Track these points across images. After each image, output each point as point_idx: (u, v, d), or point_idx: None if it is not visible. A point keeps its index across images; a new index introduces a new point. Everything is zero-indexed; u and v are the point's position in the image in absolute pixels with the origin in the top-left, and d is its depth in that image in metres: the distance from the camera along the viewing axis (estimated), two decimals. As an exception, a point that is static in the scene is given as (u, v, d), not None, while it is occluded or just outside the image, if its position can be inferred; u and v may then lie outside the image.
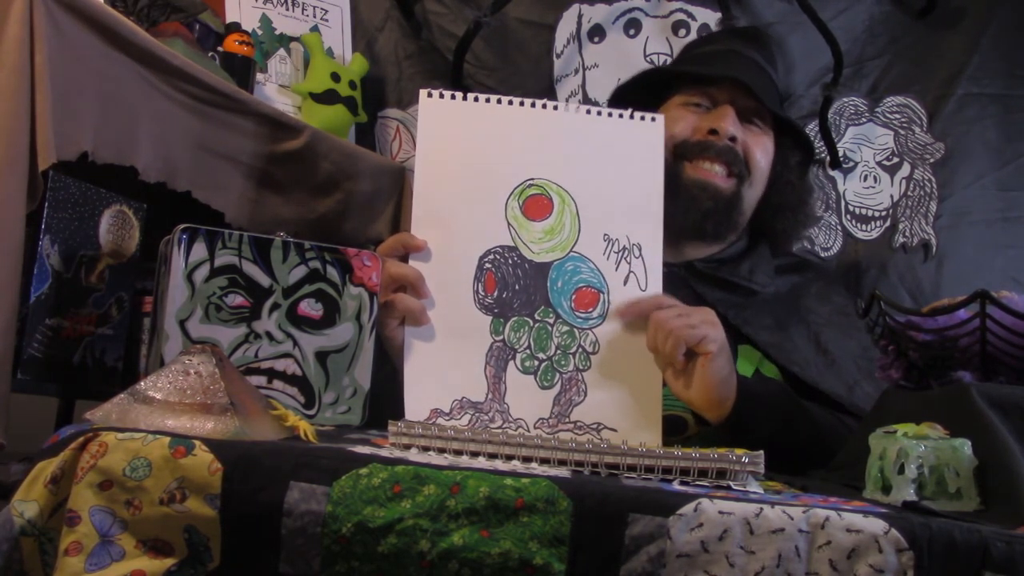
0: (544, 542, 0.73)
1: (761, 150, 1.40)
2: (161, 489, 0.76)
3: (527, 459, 0.87)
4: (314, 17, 1.72)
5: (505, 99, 1.13)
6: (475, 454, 0.87)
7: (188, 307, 1.03)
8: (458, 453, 0.87)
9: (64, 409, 1.29)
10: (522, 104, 1.12)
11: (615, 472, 0.86)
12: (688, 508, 0.73)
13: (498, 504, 0.74)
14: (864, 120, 1.83)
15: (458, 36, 1.74)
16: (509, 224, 1.08)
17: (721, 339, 1.08)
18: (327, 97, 1.62)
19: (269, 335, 1.07)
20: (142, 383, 0.87)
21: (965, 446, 0.83)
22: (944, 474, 0.82)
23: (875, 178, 1.82)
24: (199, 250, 1.04)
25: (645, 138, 1.13)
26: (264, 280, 1.07)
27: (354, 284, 1.11)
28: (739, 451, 0.86)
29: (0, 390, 0.97)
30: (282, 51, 1.66)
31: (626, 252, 1.09)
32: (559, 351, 1.06)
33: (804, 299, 1.44)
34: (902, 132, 1.83)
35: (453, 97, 1.11)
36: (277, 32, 1.66)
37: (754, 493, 0.81)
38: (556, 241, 1.09)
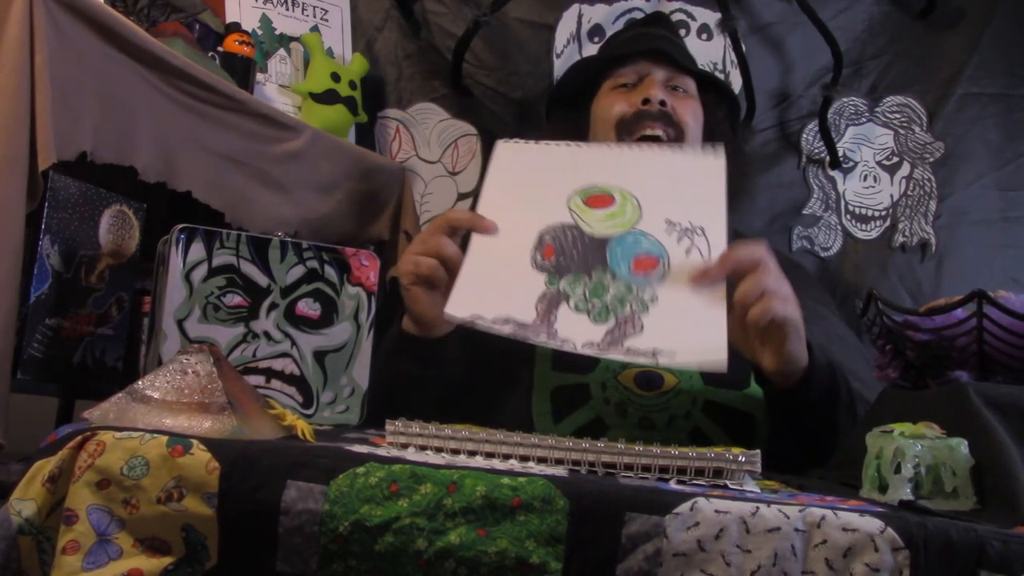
0: (541, 541, 0.74)
1: (690, 112, 1.44)
2: (159, 488, 0.76)
3: (524, 458, 0.87)
4: (314, 17, 1.72)
5: (574, 143, 1.17)
6: (472, 453, 0.88)
7: (186, 307, 1.04)
8: (455, 452, 0.87)
9: (64, 409, 1.29)
10: (592, 147, 1.19)
11: (612, 471, 0.86)
12: (684, 507, 0.73)
13: (495, 503, 0.74)
14: (864, 120, 1.83)
15: (458, 36, 1.75)
16: (571, 210, 1.10)
17: (797, 318, 1.08)
18: (327, 97, 1.62)
19: (267, 335, 1.07)
20: (140, 382, 0.87)
21: (962, 445, 0.83)
22: (941, 473, 0.82)
23: (875, 178, 1.82)
24: (197, 250, 1.04)
25: (707, 166, 1.14)
26: (262, 280, 1.07)
27: (352, 284, 1.12)
28: (736, 450, 0.86)
29: (0, 390, 0.97)
30: (282, 51, 1.66)
31: (689, 231, 1.08)
32: (615, 299, 1.03)
33: None
34: (902, 132, 1.83)
35: (526, 142, 1.17)
36: (277, 32, 1.66)
37: (751, 492, 0.81)
38: (617, 221, 1.09)
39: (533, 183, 1.13)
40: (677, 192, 1.12)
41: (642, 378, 1.22)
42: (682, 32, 1.81)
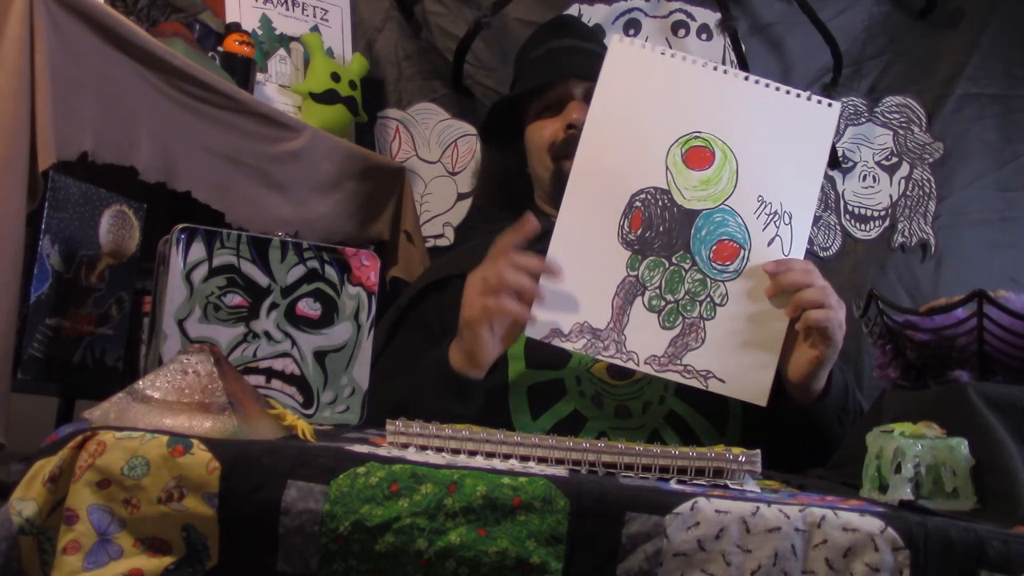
0: (541, 541, 0.74)
1: None
2: (159, 488, 0.76)
3: (524, 458, 0.87)
4: (314, 17, 1.72)
5: (690, 57, 1.15)
6: (472, 453, 0.88)
7: (187, 307, 1.04)
8: (455, 452, 0.88)
9: (64, 409, 1.29)
10: (704, 65, 1.14)
11: (612, 471, 0.86)
12: (685, 507, 0.73)
13: (495, 503, 0.74)
14: (863, 120, 1.83)
15: (458, 36, 1.75)
16: (668, 168, 1.10)
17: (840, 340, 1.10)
18: (327, 97, 1.62)
19: (267, 335, 1.07)
20: (140, 382, 0.87)
21: (962, 445, 0.83)
22: (941, 473, 0.82)
23: (874, 178, 1.82)
24: (197, 250, 1.04)
25: (818, 119, 1.14)
26: (262, 280, 1.07)
27: (352, 284, 1.12)
28: (736, 450, 0.87)
29: (0, 390, 0.97)
30: (282, 51, 1.66)
31: (776, 217, 1.10)
32: (687, 296, 1.08)
33: None
34: (901, 132, 1.83)
35: (642, 45, 1.15)
36: (277, 32, 1.66)
37: (751, 492, 0.81)
38: (710, 191, 1.10)
39: (640, 110, 1.13)
40: (778, 151, 1.11)
41: (614, 368, 1.21)
42: (681, 32, 1.81)
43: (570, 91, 1.44)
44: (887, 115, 1.83)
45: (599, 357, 1.09)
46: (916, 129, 1.83)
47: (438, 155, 1.81)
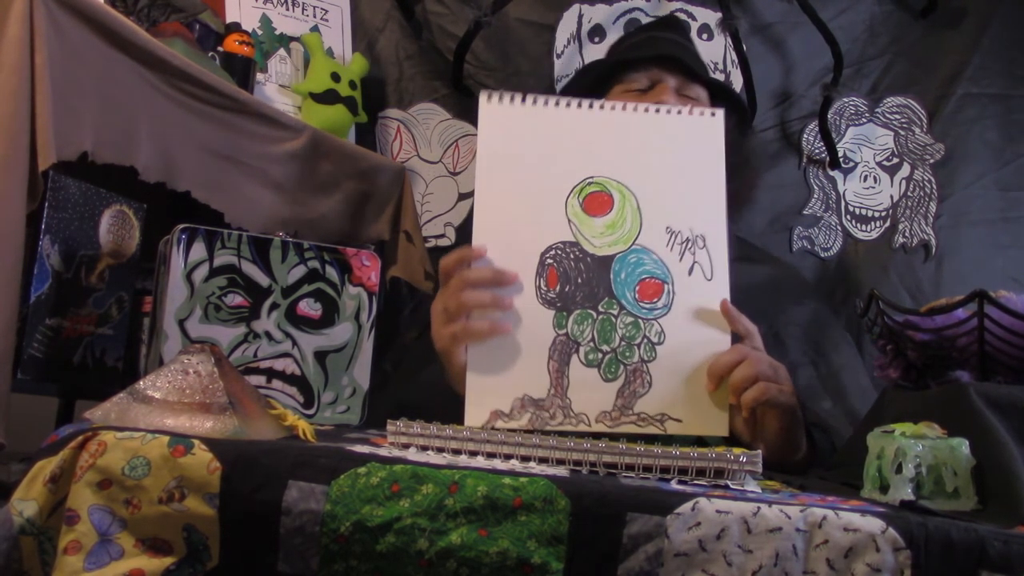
0: (542, 541, 0.73)
1: None
2: (160, 488, 0.76)
3: (525, 458, 0.87)
4: (314, 17, 1.72)
5: (563, 100, 1.12)
6: (473, 453, 0.88)
7: (187, 307, 1.04)
8: (456, 452, 0.87)
9: (64, 409, 1.29)
10: (579, 105, 1.12)
11: (613, 471, 0.86)
12: (686, 507, 0.73)
13: (496, 503, 0.74)
14: (864, 120, 1.83)
15: (459, 36, 1.75)
16: (570, 221, 1.07)
17: (792, 402, 1.07)
18: (327, 97, 1.62)
19: (268, 335, 1.07)
20: (141, 382, 0.87)
21: (963, 446, 0.83)
22: (942, 473, 0.82)
23: (875, 178, 1.82)
24: (198, 250, 1.04)
25: (704, 132, 1.11)
26: (263, 280, 1.07)
27: (353, 284, 1.12)
28: (737, 450, 0.86)
29: (0, 390, 0.97)
30: (282, 51, 1.66)
31: (689, 243, 1.07)
32: (624, 342, 1.04)
33: (768, 291, 1.43)
34: (902, 132, 1.83)
35: (512, 100, 1.11)
36: (277, 32, 1.66)
37: (752, 492, 0.81)
38: (618, 235, 1.07)
39: (526, 168, 1.09)
40: (674, 176, 1.09)
41: None
42: (682, 32, 1.82)
43: (663, 76, 1.43)
44: (888, 115, 1.83)
45: (548, 429, 1.04)
46: (917, 130, 1.83)
47: (439, 155, 1.81)
